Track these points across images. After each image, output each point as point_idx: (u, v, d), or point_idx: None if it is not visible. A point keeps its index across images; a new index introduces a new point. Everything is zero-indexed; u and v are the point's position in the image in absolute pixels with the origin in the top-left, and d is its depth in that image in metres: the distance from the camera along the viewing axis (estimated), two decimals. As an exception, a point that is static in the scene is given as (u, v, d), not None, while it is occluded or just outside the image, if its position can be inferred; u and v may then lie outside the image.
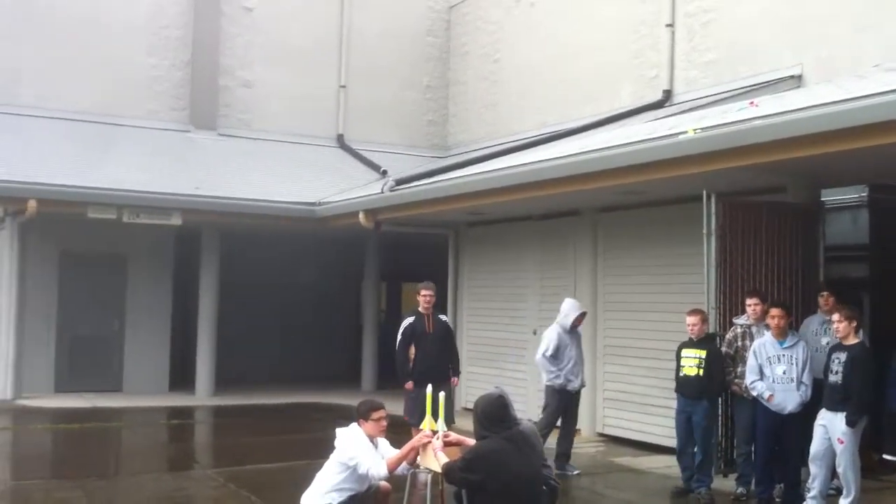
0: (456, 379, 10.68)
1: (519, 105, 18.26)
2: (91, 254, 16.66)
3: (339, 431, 6.45)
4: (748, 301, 9.05)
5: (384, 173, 17.19)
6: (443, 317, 10.97)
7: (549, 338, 10.30)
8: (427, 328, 10.47)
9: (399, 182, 14.23)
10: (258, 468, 10.32)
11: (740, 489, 8.90)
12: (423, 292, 10.55)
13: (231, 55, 19.29)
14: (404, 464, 6.37)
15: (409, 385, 10.32)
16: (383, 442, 6.51)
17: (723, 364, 9.02)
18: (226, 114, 19.21)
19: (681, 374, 9.08)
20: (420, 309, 10.56)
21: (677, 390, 9.19)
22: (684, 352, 9.10)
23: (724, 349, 9.08)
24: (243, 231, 17.46)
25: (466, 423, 6.07)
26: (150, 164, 16.44)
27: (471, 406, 5.97)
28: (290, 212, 15.90)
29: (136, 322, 16.97)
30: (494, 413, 5.69)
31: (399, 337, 10.54)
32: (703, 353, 8.95)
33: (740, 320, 9.13)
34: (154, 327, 17.08)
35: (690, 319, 9.09)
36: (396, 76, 20.63)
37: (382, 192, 14.19)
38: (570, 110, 16.56)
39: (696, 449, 9.05)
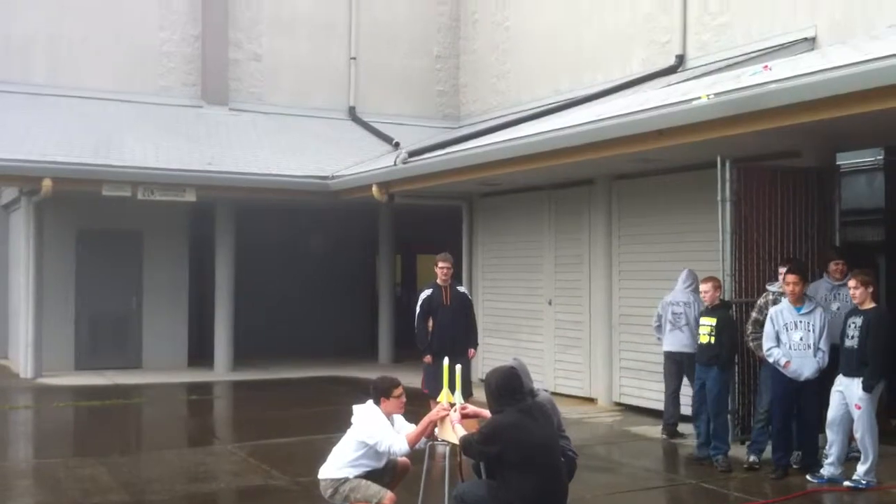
0: (473, 350, 10.68)
1: (530, 73, 18.13)
2: (107, 232, 16.75)
3: (357, 409, 6.42)
4: (781, 269, 8.87)
5: (396, 145, 17.15)
6: (461, 288, 10.95)
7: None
8: (444, 300, 10.46)
9: (411, 154, 14.19)
10: (278, 442, 10.40)
11: (752, 457, 8.81)
12: (441, 264, 10.52)
13: (239, 27, 19.20)
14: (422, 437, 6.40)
15: (428, 358, 10.33)
16: (398, 418, 6.51)
17: (734, 331, 9.00)
18: (237, 88, 19.17)
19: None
20: (438, 281, 10.55)
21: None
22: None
23: (753, 314, 9.01)
24: (257, 206, 17.50)
25: (483, 395, 6.07)
26: (163, 141, 16.44)
27: (488, 378, 5.98)
28: (303, 186, 15.88)
29: (153, 298, 17.10)
30: (507, 386, 5.72)
31: (417, 309, 10.55)
32: (713, 321, 8.95)
33: (773, 287, 8.99)
34: (171, 303, 17.21)
35: (703, 287, 9.10)
36: (407, 47, 20.51)
37: (395, 165, 14.15)
38: (581, 77, 16.45)
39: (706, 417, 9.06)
